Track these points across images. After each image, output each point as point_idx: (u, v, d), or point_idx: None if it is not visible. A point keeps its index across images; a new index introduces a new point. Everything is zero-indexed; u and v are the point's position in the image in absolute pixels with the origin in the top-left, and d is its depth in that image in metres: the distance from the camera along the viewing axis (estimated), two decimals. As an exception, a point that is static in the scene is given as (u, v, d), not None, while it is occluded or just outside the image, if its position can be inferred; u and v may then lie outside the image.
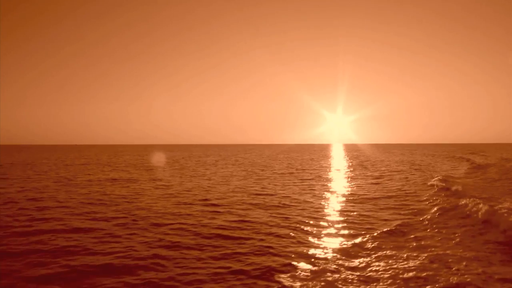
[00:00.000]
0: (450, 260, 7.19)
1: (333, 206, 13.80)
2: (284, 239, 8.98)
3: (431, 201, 14.47)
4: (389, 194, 16.87)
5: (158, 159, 56.08)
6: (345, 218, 11.60)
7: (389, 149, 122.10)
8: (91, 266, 7.12)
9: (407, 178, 24.27)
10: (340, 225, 10.58)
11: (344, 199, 15.73)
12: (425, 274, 6.47)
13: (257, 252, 7.98)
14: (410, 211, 12.50)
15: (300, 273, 6.75)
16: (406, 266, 6.93)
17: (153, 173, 29.36)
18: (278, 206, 13.77)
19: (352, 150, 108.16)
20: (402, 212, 12.36)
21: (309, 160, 50.88)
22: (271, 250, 8.09)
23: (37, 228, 10.22)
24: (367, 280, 6.33)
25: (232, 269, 6.98)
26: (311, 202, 14.66)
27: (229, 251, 8.05)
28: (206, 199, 15.41)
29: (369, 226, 10.36)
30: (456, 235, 9.18)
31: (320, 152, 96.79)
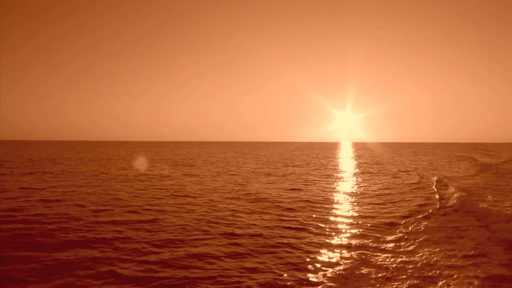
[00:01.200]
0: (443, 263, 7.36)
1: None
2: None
3: (423, 203, 14.46)
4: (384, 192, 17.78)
5: (184, 155, 57.66)
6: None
7: (398, 148, 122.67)
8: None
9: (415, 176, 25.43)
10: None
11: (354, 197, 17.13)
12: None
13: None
14: (401, 213, 12.61)
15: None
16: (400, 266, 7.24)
17: (194, 169, 30.93)
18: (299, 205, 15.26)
19: (362, 149, 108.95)
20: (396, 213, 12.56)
21: (323, 158, 52.25)
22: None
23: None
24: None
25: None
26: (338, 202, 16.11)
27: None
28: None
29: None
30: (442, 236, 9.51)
31: (333, 150, 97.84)
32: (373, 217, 11.80)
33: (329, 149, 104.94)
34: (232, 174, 26.21)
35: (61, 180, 21.43)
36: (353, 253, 8.12)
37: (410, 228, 10.32)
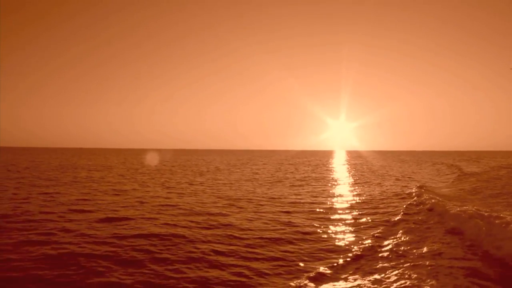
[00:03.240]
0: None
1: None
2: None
3: (395, 211, 14.96)
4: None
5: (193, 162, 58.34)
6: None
7: (391, 156, 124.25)
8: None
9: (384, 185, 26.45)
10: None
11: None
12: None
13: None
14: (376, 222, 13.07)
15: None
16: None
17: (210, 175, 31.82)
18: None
19: (356, 157, 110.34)
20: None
21: (323, 165, 53.36)
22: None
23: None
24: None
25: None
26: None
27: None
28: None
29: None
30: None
31: (327, 158, 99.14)
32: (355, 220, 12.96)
33: (320, 158, 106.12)
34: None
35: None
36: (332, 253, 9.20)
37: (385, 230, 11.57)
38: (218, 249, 9.14)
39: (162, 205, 15.70)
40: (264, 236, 10.46)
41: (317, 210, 15.04)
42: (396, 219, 13.07)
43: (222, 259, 8.36)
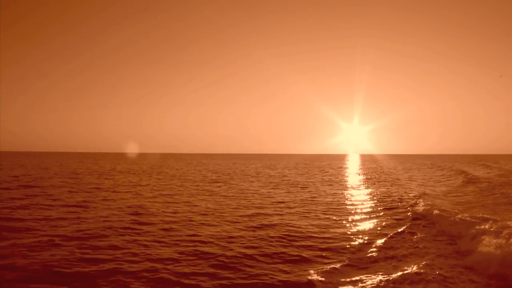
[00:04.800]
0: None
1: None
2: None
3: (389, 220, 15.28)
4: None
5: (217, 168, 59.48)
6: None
7: (402, 160, 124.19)
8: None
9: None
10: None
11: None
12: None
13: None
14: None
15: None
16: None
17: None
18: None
19: (369, 161, 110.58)
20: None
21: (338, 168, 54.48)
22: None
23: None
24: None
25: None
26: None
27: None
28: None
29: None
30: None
31: (337, 162, 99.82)
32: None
33: (333, 161, 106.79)
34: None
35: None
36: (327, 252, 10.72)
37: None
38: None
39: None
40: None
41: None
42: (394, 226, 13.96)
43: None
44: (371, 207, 18.91)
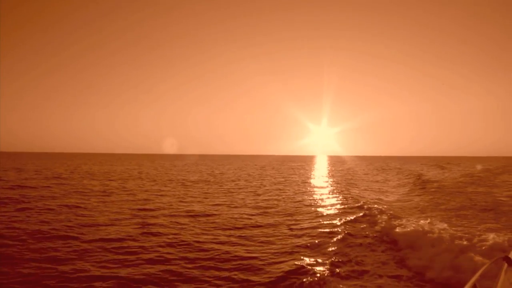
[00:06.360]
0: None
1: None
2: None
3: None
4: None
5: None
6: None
7: (369, 161, 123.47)
8: None
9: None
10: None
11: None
12: None
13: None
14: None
15: None
16: None
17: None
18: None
19: (336, 163, 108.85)
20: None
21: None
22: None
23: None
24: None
25: None
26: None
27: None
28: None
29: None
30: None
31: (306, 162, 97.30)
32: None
33: (295, 163, 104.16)
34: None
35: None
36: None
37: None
38: None
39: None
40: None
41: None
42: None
43: None
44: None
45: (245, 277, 8.01)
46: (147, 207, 17.67)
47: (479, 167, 61.31)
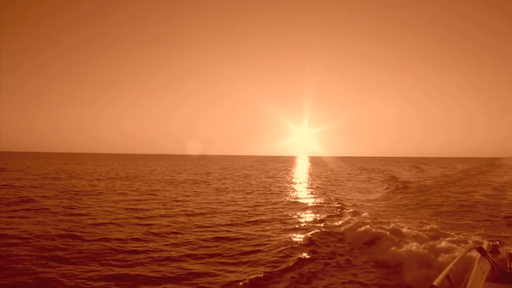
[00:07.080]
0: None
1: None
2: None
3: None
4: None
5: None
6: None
7: (350, 162, 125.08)
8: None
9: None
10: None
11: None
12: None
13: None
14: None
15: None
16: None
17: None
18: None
19: (316, 164, 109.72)
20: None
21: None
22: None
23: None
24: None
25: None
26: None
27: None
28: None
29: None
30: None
31: (285, 164, 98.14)
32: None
33: (274, 164, 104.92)
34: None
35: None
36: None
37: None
38: None
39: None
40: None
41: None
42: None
43: None
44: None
45: (251, 269, 8.81)
46: (140, 207, 18.11)
47: (459, 167, 63.24)
